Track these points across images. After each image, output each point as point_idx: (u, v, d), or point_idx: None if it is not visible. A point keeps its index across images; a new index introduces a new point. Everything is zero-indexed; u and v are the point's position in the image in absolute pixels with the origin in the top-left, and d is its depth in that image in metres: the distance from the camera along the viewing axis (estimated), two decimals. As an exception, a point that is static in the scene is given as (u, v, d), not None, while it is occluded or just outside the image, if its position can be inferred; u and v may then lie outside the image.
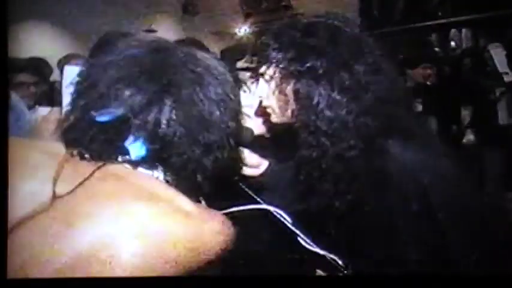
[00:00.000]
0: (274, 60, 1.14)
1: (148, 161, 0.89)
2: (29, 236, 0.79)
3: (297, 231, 1.15)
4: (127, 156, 0.88)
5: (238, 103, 1.01)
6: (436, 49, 6.20)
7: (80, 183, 0.83)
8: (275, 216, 1.15)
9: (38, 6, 5.55)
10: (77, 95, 0.90)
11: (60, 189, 0.83)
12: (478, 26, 6.13)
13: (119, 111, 0.85)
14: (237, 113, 0.99)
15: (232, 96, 0.96)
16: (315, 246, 1.16)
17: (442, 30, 6.58)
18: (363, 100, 1.08)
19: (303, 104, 1.11)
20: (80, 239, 0.78)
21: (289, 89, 1.13)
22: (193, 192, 0.90)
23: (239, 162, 1.19)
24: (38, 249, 0.78)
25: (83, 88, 0.89)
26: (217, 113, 0.91)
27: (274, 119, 1.22)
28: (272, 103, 1.19)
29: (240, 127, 1.03)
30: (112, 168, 0.87)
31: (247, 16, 8.61)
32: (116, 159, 0.88)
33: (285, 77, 1.13)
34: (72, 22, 6.06)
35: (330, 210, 1.12)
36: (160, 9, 7.56)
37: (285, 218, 1.15)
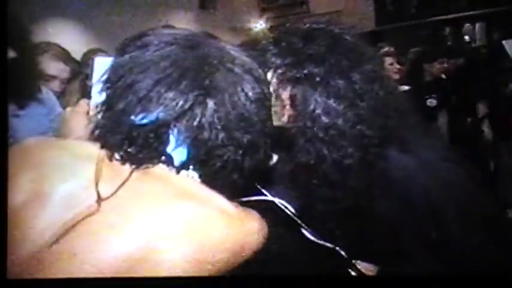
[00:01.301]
0: (272, 65, 1.13)
1: (188, 165, 0.88)
2: (80, 239, 0.79)
3: (301, 223, 1.18)
4: (169, 162, 0.86)
5: (270, 99, 1.00)
6: (449, 43, 6.18)
7: (121, 185, 0.83)
8: (280, 207, 1.18)
9: (55, 4, 5.64)
10: (113, 95, 0.85)
11: (102, 191, 0.82)
12: (491, 20, 6.09)
13: (161, 115, 0.83)
14: (270, 109, 0.98)
15: (267, 94, 0.95)
16: (318, 238, 1.18)
17: (456, 25, 6.53)
18: (359, 108, 1.07)
19: (299, 109, 1.10)
20: (128, 241, 0.78)
21: (285, 94, 1.12)
22: (226, 190, 0.89)
23: (269, 159, 1.20)
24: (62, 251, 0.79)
25: (120, 89, 0.85)
26: (257, 112, 0.89)
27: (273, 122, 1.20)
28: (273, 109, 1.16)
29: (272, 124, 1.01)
30: (149, 168, 0.86)
31: (263, 11, 8.63)
32: (158, 163, 0.86)
33: (282, 82, 1.12)
34: (89, 19, 6.13)
35: (331, 212, 1.13)
36: (177, 5, 7.61)
37: (289, 210, 1.18)
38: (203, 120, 0.84)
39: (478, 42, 6.28)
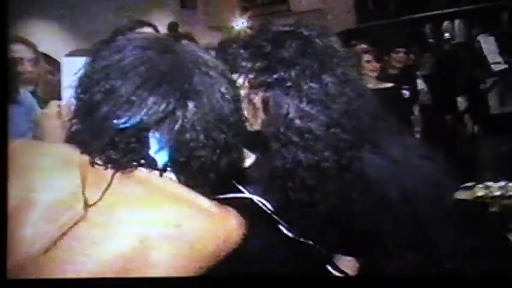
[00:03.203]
0: (243, 70, 1.12)
1: (169, 167, 0.90)
2: (70, 245, 0.80)
3: (279, 220, 1.18)
4: (152, 165, 0.88)
5: (241, 102, 1.01)
6: (431, 40, 6.25)
7: (106, 190, 0.84)
8: (257, 205, 1.18)
9: (35, 4, 5.58)
10: (92, 100, 0.86)
11: (88, 196, 0.83)
12: (470, 17, 6.18)
13: (144, 119, 0.84)
14: (243, 112, 1.00)
15: (239, 96, 0.97)
16: (296, 234, 1.19)
17: (436, 22, 6.62)
18: (332, 112, 1.07)
19: (272, 114, 1.10)
20: (118, 244, 0.80)
21: (257, 99, 1.12)
22: (203, 189, 0.91)
23: (242, 158, 1.21)
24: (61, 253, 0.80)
25: (99, 94, 0.85)
26: (234, 113, 0.92)
27: (247, 126, 1.17)
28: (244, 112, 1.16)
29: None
30: (129, 171, 0.87)
31: (244, 10, 8.64)
32: (140, 167, 0.87)
33: (254, 87, 1.11)
34: (70, 19, 6.09)
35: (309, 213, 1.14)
36: (159, 4, 7.58)
37: (267, 207, 1.18)
38: (185, 122, 0.86)
39: (457, 39, 6.38)
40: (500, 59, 3.98)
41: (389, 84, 3.56)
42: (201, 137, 0.87)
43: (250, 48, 1.13)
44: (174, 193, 0.87)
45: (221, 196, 1.05)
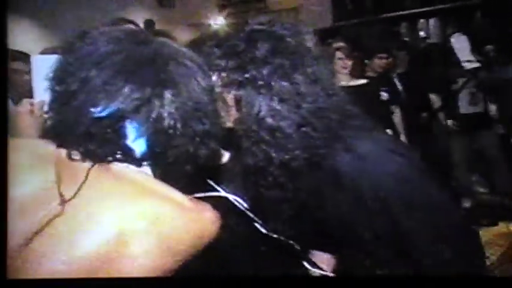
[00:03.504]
0: (216, 68, 1.12)
1: (147, 157, 0.89)
2: (48, 240, 0.80)
3: (254, 217, 1.20)
4: (130, 154, 0.87)
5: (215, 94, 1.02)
6: (406, 39, 6.32)
7: (82, 185, 0.83)
8: (233, 203, 1.20)
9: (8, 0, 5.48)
10: (67, 91, 0.85)
11: (64, 192, 0.82)
12: (444, 16, 6.29)
13: (120, 108, 0.83)
14: (217, 104, 1.00)
15: (213, 83, 0.97)
16: (271, 231, 1.20)
17: (412, 21, 6.71)
18: (303, 110, 1.08)
19: (244, 112, 1.10)
20: (95, 239, 0.80)
21: (230, 97, 1.13)
22: (179, 184, 0.91)
23: (220, 151, 1.21)
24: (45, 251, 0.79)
25: (74, 85, 0.84)
26: (210, 103, 0.93)
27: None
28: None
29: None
30: (105, 166, 0.87)
31: (222, 8, 8.63)
32: (117, 158, 0.87)
33: (227, 85, 1.12)
34: (44, 17, 6.01)
35: (282, 210, 1.15)
36: (136, 2, 7.52)
37: (242, 205, 1.20)
38: (162, 111, 0.86)
39: (432, 38, 6.48)
40: (472, 58, 4.06)
41: (363, 81, 3.57)
42: (179, 125, 0.87)
43: (224, 47, 1.14)
44: (150, 188, 0.87)
45: (197, 195, 1.04)
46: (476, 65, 4.04)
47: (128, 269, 0.80)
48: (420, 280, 1.04)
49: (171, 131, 0.87)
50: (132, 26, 1.19)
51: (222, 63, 1.12)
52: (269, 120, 1.08)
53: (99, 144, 0.85)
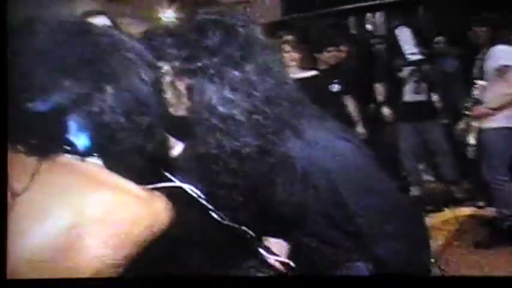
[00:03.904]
0: (168, 57, 1.14)
1: (92, 151, 0.89)
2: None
3: (209, 206, 1.21)
4: (73, 149, 0.87)
5: (162, 85, 1.03)
6: (354, 32, 6.46)
7: (32, 177, 0.83)
8: (188, 193, 1.21)
9: None
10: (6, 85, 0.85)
11: (15, 185, 0.82)
12: (390, 10, 6.47)
13: (60, 102, 0.83)
14: (164, 95, 1.02)
15: (160, 79, 0.97)
16: (226, 219, 1.23)
17: (359, 14, 6.86)
18: (254, 99, 1.10)
19: (196, 100, 1.12)
20: (48, 232, 0.80)
21: (182, 85, 1.15)
22: (132, 175, 0.91)
23: (168, 142, 1.22)
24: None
25: (13, 78, 0.84)
26: (153, 96, 0.92)
27: (172, 112, 1.20)
28: (168, 97, 1.18)
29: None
30: (56, 159, 0.87)
31: (172, 1, 8.52)
32: (61, 152, 0.87)
33: (179, 74, 1.14)
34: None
35: (235, 197, 1.18)
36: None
37: (197, 194, 1.21)
38: (103, 105, 0.86)
39: (378, 31, 6.65)
40: (415, 50, 4.20)
41: (312, 73, 3.64)
42: (122, 119, 0.87)
43: (176, 37, 1.15)
44: (103, 179, 0.88)
45: (152, 186, 1.05)
46: (419, 56, 4.18)
47: (85, 261, 0.81)
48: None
49: (114, 125, 0.87)
50: (105, 19, 1.17)
51: (174, 52, 1.13)
52: (220, 108, 1.10)
53: (41, 139, 0.85)
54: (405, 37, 4.12)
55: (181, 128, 1.17)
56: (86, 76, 0.85)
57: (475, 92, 3.65)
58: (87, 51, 0.87)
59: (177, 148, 1.31)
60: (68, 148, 0.87)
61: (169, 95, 1.17)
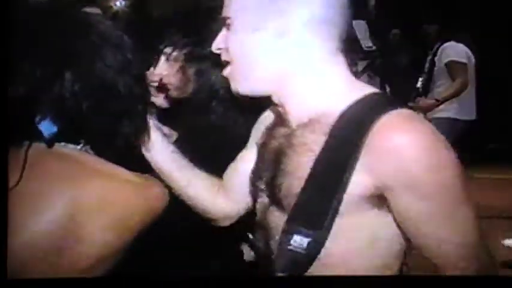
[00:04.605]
0: (179, 45, 1.21)
1: (61, 138, 0.88)
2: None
3: None
4: (40, 135, 0.86)
5: (141, 64, 1.00)
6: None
7: (23, 169, 0.82)
8: None
9: None
10: None
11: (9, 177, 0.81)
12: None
13: (20, 89, 0.82)
14: (141, 75, 0.97)
15: (131, 59, 0.92)
16: None
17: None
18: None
19: (200, 84, 1.21)
20: (46, 222, 0.81)
21: (191, 70, 1.23)
22: (117, 160, 0.92)
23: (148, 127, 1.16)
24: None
25: None
26: (121, 80, 0.89)
27: (174, 94, 1.29)
28: (172, 81, 1.26)
29: (147, 90, 1.01)
30: (43, 148, 0.86)
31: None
32: (29, 141, 0.86)
33: (189, 60, 1.22)
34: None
35: None
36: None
37: None
38: (63, 91, 0.84)
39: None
40: (370, 43, 4.32)
41: None
42: (86, 104, 0.85)
43: (183, 24, 1.22)
44: (93, 166, 0.88)
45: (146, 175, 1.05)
46: (373, 48, 4.31)
47: (89, 248, 0.83)
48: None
49: (76, 112, 0.85)
50: (95, 8, 1.15)
51: (185, 39, 1.21)
52: (222, 91, 1.17)
53: (12, 126, 0.83)
54: (360, 30, 4.21)
55: (175, 119, 1.22)
56: (46, 60, 0.84)
57: (419, 85, 4.02)
58: (50, 35, 0.85)
59: (170, 139, 1.29)
60: (38, 136, 0.86)
61: (173, 80, 1.25)
